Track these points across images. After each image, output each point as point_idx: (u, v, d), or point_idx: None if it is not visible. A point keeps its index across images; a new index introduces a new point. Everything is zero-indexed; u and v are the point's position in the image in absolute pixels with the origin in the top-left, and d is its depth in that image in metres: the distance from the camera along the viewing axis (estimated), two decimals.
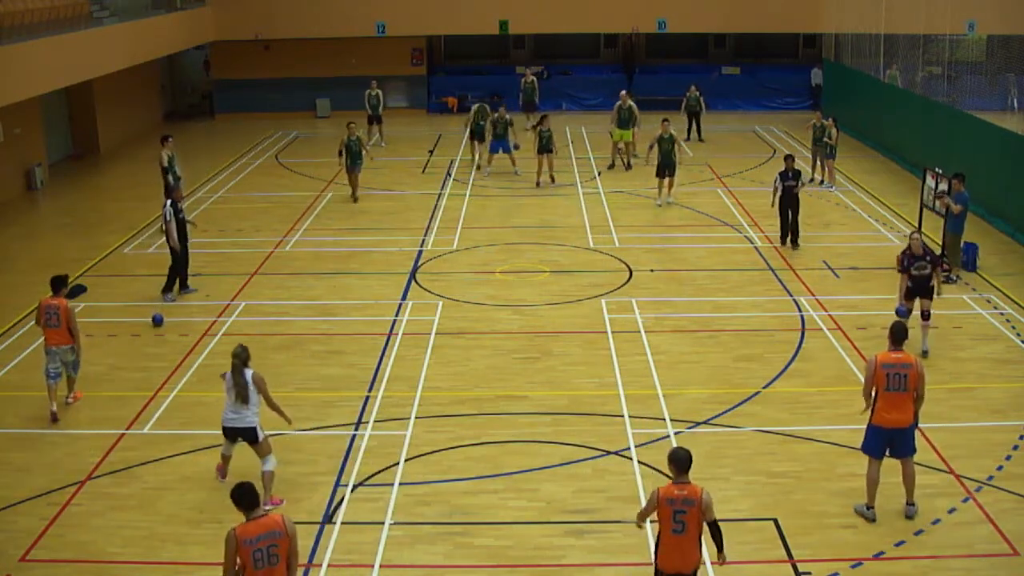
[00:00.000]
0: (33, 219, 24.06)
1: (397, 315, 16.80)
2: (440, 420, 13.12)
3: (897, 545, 10.27)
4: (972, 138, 22.70)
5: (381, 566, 10.08)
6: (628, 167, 26.84)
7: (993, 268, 18.64)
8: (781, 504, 11.05)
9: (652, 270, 18.87)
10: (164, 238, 17.73)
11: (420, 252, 20.18)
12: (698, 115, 30.72)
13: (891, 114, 28.21)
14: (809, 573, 9.87)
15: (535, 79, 32.42)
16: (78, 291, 17.93)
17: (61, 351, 13.45)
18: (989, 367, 14.52)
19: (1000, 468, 11.69)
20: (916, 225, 19.12)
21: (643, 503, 10.94)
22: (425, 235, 21.35)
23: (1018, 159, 20.62)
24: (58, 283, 13.66)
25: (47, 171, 27.05)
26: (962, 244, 18.26)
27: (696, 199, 23.91)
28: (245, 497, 8.00)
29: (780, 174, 20.14)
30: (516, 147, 26.28)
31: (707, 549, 8.91)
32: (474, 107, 28.28)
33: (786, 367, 14.59)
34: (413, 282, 18.39)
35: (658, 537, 8.42)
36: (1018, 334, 15.69)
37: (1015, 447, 12.17)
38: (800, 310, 16.75)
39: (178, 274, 17.75)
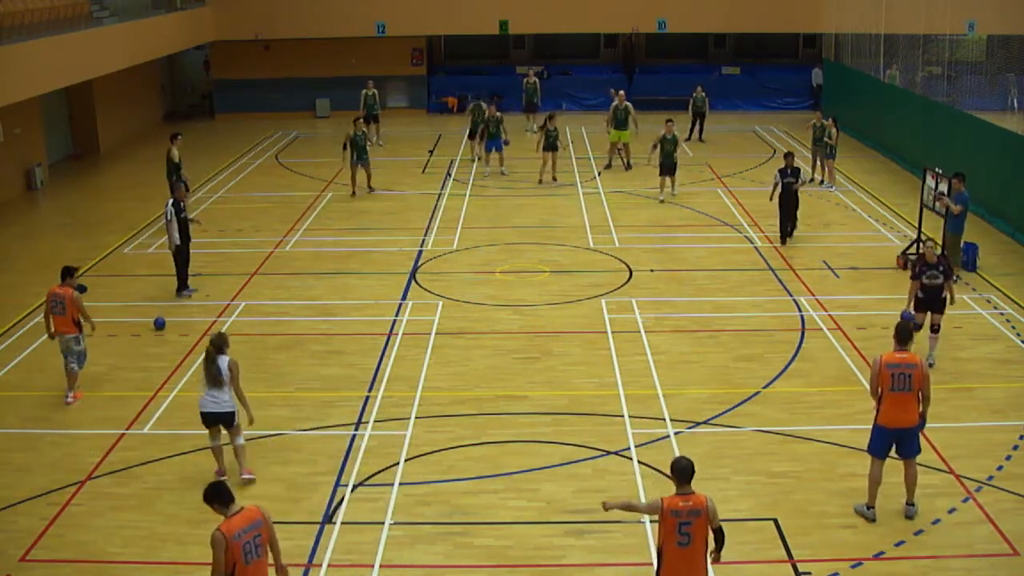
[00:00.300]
0: (33, 219, 24.06)
1: (397, 315, 16.80)
2: (440, 420, 13.13)
3: (897, 545, 10.27)
4: (972, 138, 22.71)
5: (381, 566, 10.08)
6: (628, 167, 26.83)
7: (993, 268, 18.64)
8: (781, 504, 11.05)
9: (652, 270, 18.87)
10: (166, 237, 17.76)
11: (420, 252, 20.18)
12: (703, 116, 30.72)
13: (891, 114, 28.21)
14: (809, 573, 9.87)
15: (537, 80, 32.43)
16: (78, 291, 17.90)
17: (64, 339, 13.70)
18: (989, 367, 14.52)
19: (1000, 468, 11.69)
20: (916, 225, 19.10)
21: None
22: (425, 235, 21.35)
23: (1018, 159, 20.62)
24: (66, 272, 13.95)
25: (47, 171, 27.05)
26: (962, 244, 18.26)
27: (696, 199, 23.92)
28: (223, 494, 7.99)
29: (780, 171, 20.34)
30: (506, 143, 26.50)
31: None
32: (470, 106, 28.80)
33: (786, 367, 14.59)
34: (413, 282, 18.39)
35: (660, 551, 8.09)
36: (1018, 334, 15.69)
37: (1015, 447, 12.17)
38: (800, 310, 16.75)
39: (179, 273, 17.76)
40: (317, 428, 12.97)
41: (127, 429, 12.98)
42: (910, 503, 10.70)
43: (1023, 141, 20.88)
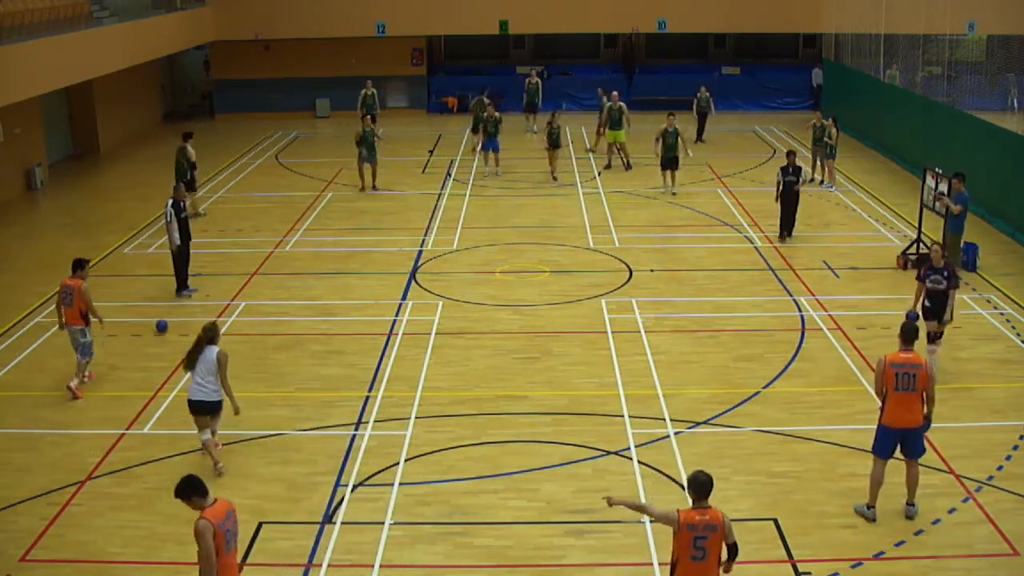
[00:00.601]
0: (33, 219, 24.06)
1: (397, 315, 16.80)
2: (440, 420, 13.12)
3: (897, 545, 10.27)
4: (972, 138, 22.71)
5: (381, 566, 10.08)
6: (628, 167, 26.82)
7: (993, 268, 18.64)
8: (781, 504, 11.05)
9: (652, 270, 18.87)
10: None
11: (420, 252, 20.18)
12: (707, 116, 30.69)
13: (891, 114, 28.21)
14: (809, 573, 9.88)
15: (539, 80, 32.43)
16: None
17: (71, 331, 13.95)
18: (989, 367, 14.52)
19: (1000, 468, 11.69)
20: (916, 225, 19.11)
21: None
22: (425, 235, 21.35)
23: (1018, 159, 20.62)
24: (77, 265, 14.22)
25: (47, 171, 27.05)
26: (962, 244, 18.26)
27: (696, 199, 23.92)
28: (200, 486, 8.09)
29: (781, 169, 20.54)
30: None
31: None
32: (473, 101, 29.28)
33: (786, 367, 14.59)
34: (413, 282, 18.39)
35: (673, 564, 7.99)
36: (1018, 334, 15.69)
37: (1015, 447, 12.17)
38: (800, 310, 16.75)
39: (179, 273, 17.77)
40: (317, 428, 12.97)
41: (127, 429, 12.98)
42: (910, 503, 10.70)
43: (1023, 141, 20.88)
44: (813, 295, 17.37)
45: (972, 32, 32.78)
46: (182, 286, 17.81)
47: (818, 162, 25.30)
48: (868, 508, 10.68)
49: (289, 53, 35.97)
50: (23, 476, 11.89)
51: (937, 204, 18.03)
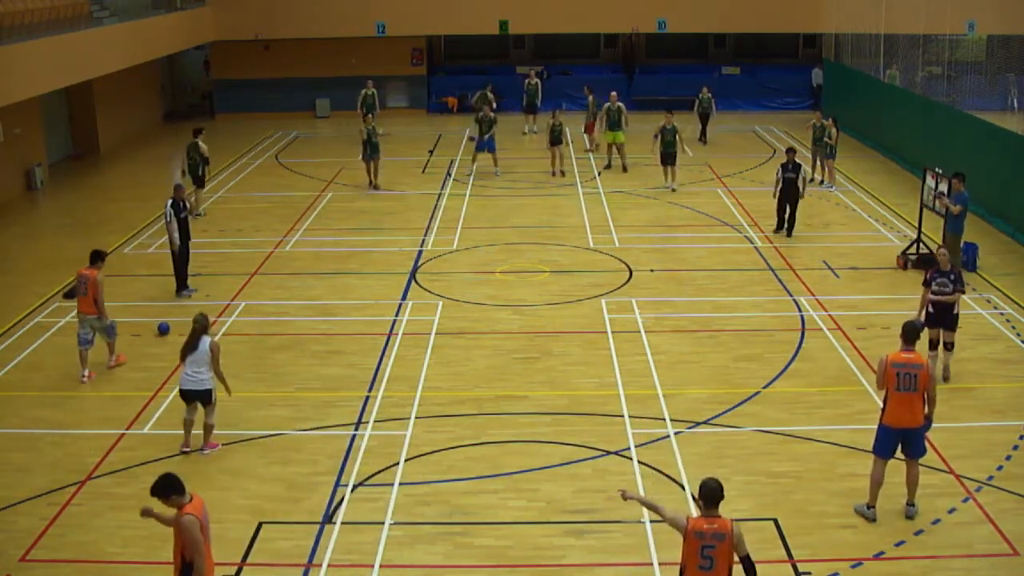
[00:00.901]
0: (33, 219, 24.06)
1: (397, 315, 16.80)
2: (440, 420, 13.12)
3: (897, 545, 10.27)
4: (972, 138, 22.70)
5: (381, 566, 10.08)
6: (625, 169, 26.77)
7: (993, 268, 18.64)
8: (781, 504, 11.05)
9: (652, 270, 18.87)
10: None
11: (420, 252, 20.18)
12: (709, 116, 30.62)
13: (891, 114, 28.21)
14: (809, 573, 9.88)
15: (539, 81, 32.42)
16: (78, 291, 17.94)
17: (88, 319, 14.53)
18: (989, 367, 14.51)
19: (1000, 468, 11.69)
20: (916, 225, 19.12)
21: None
22: (425, 235, 21.35)
23: (1018, 159, 20.62)
24: (96, 256, 14.74)
25: (47, 171, 27.05)
26: (962, 244, 18.25)
27: (696, 199, 23.92)
28: (178, 483, 8.16)
29: (781, 166, 20.75)
30: (472, 138, 27.46)
31: None
32: (477, 94, 30.00)
33: (786, 367, 14.59)
34: (413, 282, 18.39)
35: (681, 573, 7.92)
36: (1018, 334, 15.69)
37: (1015, 447, 12.18)
38: (800, 310, 16.75)
39: (179, 273, 17.78)
40: (317, 428, 12.97)
41: (127, 429, 12.98)
42: (911, 503, 10.70)
43: (1023, 141, 20.87)
44: (813, 295, 17.37)
45: (972, 32, 32.78)
46: (182, 286, 17.82)
47: (818, 162, 25.31)
48: (868, 508, 10.68)
49: (289, 53, 35.96)
50: (23, 476, 11.89)
51: (937, 204, 18.03)
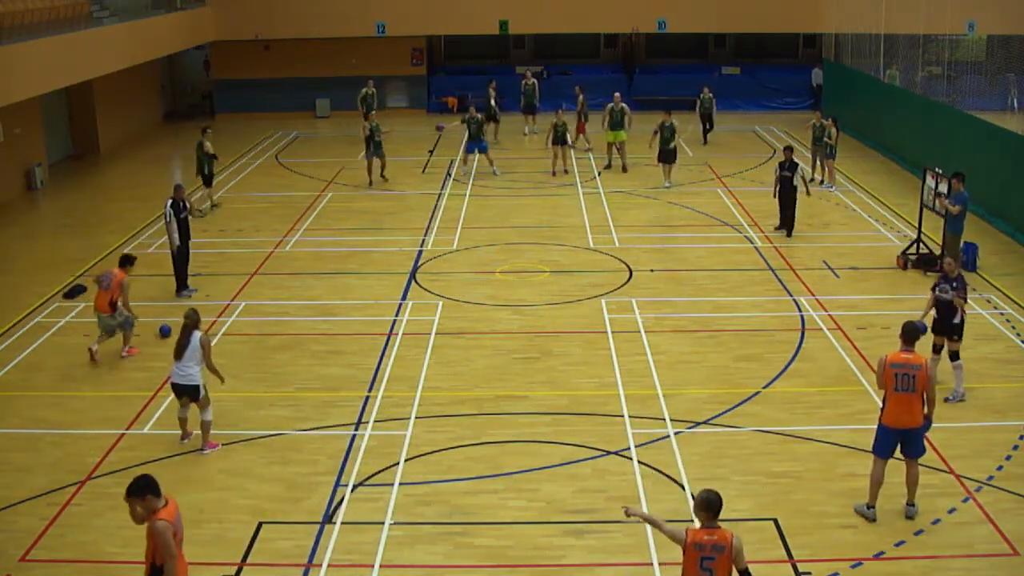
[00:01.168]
0: (33, 219, 24.07)
1: (397, 315, 16.80)
2: (440, 420, 13.12)
3: (897, 545, 10.27)
4: (972, 138, 22.70)
5: (381, 566, 10.08)
6: (625, 169, 26.76)
7: (993, 268, 18.64)
8: (781, 504, 11.05)
9: (652, 270, 18.87)
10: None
11: (420, 252, 20.18)
12: (711, 117, 30.54)
13: (891, 114, 28.21)
14: (809, 573, 9.88)
15: (535, 81, 32.42)
16: (78, 291, 17.96)
17: (102, 318, 14.89)
18: (989, 367, 14.50)
19: (1000, 468, 11.69)
20: (916, 225, 19.12)
21: (643, 504, 10.96)
22: (425, 235, 21.35)
23: (1018, 159, 20.62)
24: (125, 260, 15.28)
25: (47, 171, 27.05)
26: (962, 244, 18.25)
27: (696, 199, 23.92)
28: (156, 486, 8.17)
29: (779, 164, 20.88)
30: (440, 128, 28.30)
31: None
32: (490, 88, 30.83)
33: (786, 367, 14.59)
34: (413, 282, 18.39)
35: None
36: (1018, 334, 15.69)
37: (1015, 447, 12.17)
38: (800, 310, 16.75)
39: (179, 273, 17.78)
40: (317, 428, 12.97)
41: (127, 429, 12.98)
42: (910, 503, 10.70)
43: (1023, 141, 20.87)
44: (813, 295, 17.37)
45: (972, 32, 32.78)
46: (182, 286, 17.82)
47: (818, 162, 25.31)
48: (868, 508, 10.67)
49: (289, 53, 35.96)
50: (23, 476, 11.89)
51: (937, 204, 18.04)
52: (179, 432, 12.64)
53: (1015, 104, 32.57)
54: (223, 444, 12.47)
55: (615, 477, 11.66)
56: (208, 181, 23.63)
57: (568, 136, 26.68)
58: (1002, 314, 16.48)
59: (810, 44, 38.30)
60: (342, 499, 11.26)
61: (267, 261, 19.78)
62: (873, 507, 10.65)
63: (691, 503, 7.86)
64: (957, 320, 13.34)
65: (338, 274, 18.97)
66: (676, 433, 12.62)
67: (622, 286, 18.03)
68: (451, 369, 14.70)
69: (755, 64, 38.40)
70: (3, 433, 13.03)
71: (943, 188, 17.93)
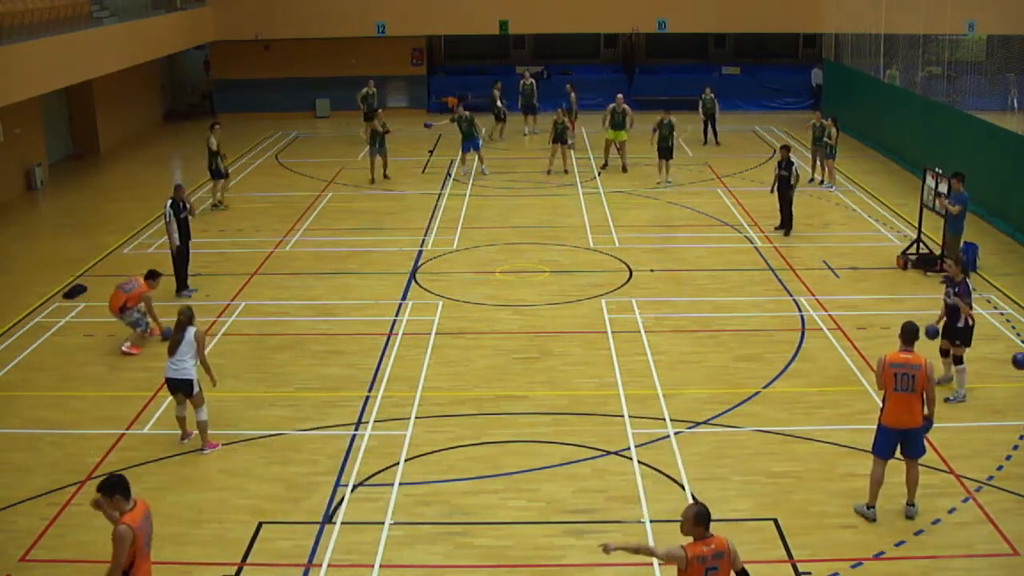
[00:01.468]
0: (33, 219, 24.06)
1: (397, 315, 16.80)
2: (440, 420, 13.12)
3: (897, 545, 10.27)
4: (972, 138, 22.70)
5: (381, 566, 10.08)
6: (624, 169, 26.75)
7: (993, 268, 18.64)
8: (781, 504, 11.05)
9: (652, 270, 18.87)
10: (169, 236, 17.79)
11: (420, 252, 20.18)
12: (714, 117, 30.50)
13: (891, 114, 28.21)
14: (809, 573, 9.88)
15: (534, 81, 32.40)
16: (78, 291, 17.97)
17: (116, 317, 15.33)
18: (989, 367, 14.49)
19: (1000, 468, 11.69)
20: (916, 225, 19.13)
21: (643, 504, 10.96)
22: (425, 235, 21.35)
23: (1018, 159, 20.62)
24: (152, 274, 15.58)
25: (47, 171, 27.05)
26: (962, 244, 18.24)
27: (696, 199, 23.92)
28: (127, 488, 8.12)
29: (778, 163, 21.05)
30: (428, 126, 28.84)
31: None
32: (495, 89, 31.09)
33: (786, 367, 14.59)
34: (413, 282, 18.39)
35: None
36: (1018, 334, 15.69)
37: (1015, 447, 12.17)
38: (800, 310, 16.75)
39: (179, 273, 17.78)
40: (317, 428, 12.97)
41: (127, 429, 12.98)
42: (911, 503, 10.70)
43: (1023, 141, 20.87)
44: (813, 295, 17.37)
45: (972, 32, 32.77)
46: (182, 286, 17.81)
47: (818, 162, 25.31)
48: (868, 508, 10.67)
49: (289, 53, 35.96)
50: (23, 476, 11.89)
51: (937, 204, 18.04)
52: (179, 432, 12.65)
53: (1015, 104, 32.57)
54: (223, 444, 12.47)
55: (615, 477, 11.66)
56: (215, 175, 23.74)
57: (567, 136, 26.67)
58: (1002, 314, 16.48)
59: (810, 44, 38.29)
60: (342, 499, 11.26)
61: (267, 261, 19.78)
62: (873, 507, 10.65)
63: (681, 523, 7.78)
64: (961, 324, 13.29)
65: (338, 274, 18.97)
66: (676, 433, 12.62)
67: (622, 286, 18.03)
68: (451, 369, 14.70)
69: (755, 64, 38.40)
70: (3, 433, 13.03)
71: (943, 188, 17.94)
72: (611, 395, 13.73)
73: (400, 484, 11.55)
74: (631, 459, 12.01)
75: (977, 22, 32.56)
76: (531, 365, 14.82)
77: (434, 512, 11.01)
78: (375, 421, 13.07)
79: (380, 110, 28.17)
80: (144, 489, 11.53)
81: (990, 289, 17.60)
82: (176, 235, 17.41)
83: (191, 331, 12.29)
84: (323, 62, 36.10)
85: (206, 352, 12.58)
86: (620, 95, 27.47)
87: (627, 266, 19.06)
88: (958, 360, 13.41)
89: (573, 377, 14.37)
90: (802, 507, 10.99)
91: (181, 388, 12.29)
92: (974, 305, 13.64)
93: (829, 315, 16.44)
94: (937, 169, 18.45)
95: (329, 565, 10.08)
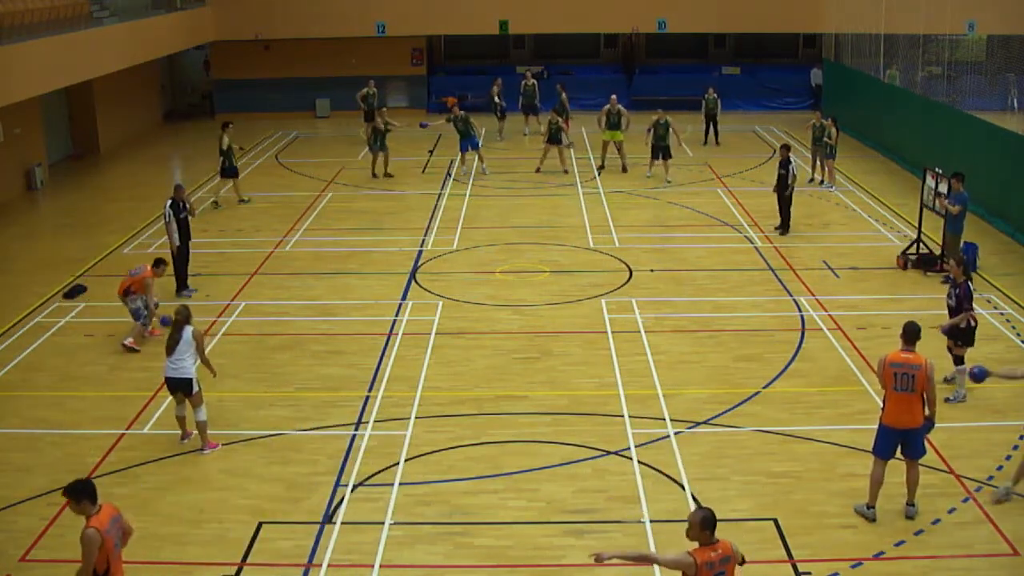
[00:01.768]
0: (33, 219, 24.06)
1: (397, 315, 16.80)
2: (440, 420, 13.12)
3: (897, 545, 10.27)
4: (972, 138, 22.70)
5: (381, 566, 10.08)
6: (624, 169, 26.76)
7: (993, 268, 18.64)
8: (781, 504, 11.05)
9: (652, 270, 18.87)
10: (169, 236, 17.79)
11: (420, 252, 20.18)
12: (715, 117, 30.47)
13: (891, 114, 28.21)
14: (809, 573, 9.88)
15: (536, 82, 32.40)
16: (78, 291, 17.97)
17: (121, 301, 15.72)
18: (989, 367, 14.44)
19: (1000, 468, 11.68)
20: (916, 225, 19.13)
21: (643, 504, 10.96)
22: (425, 235, 21.35)
23: (1018, 159, 20.62)
24: (158, 262, 15.97)
25: (47, 171, 27.05)
26: (962, 244, 18.24)
27: (696, 199, 23.92)
28: (93, 492, 8.16)
29: (779, 163, 21.08)
30: (424, 126, 29.38)
31: None
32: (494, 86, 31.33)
33: (786, 367, 14.59)
34: (413, 282, 18.39)
35: None
36: (1018, 334, 15.68)
37: (1015, 447, 12.17)
38: (800, 310, 16.75)
39: (179, 273, 17.78)
40: (317, 428, 12.97)
41: (127, 429, 12.98)
42: (910, 503, 10.70)
43: (1023, 141, 20.87)
44: (813, 295, 17.37)
45: (972, 32, 32.77)
46: (182, 286, 17.82)
47: (818, 162, 25.31)
48: (868, 508, 10.67)
49: (289, 53, 35.96)
50: (23, 476, 11.89)
51: (937, 204, 18.04)
52: (179, 432, 12.65)
53: (1015, 104, 32.57)
54: (223, 444, 12.48)
55: (615, 477, 11.66)
56: (227, 173, 24.04)
57: (563, 135, 26.59)
58: (1002, 314, 16.48)
59: (810, 44, 38.28)
60: (342, 499, 11.26)
61: (267, 261, 19.78)
62: (873, 507, 10.65)
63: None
64: (963, 325, 13.29)
65: (338, 274, 18.97)
66: (676, 433, 12.62)
67: (622, 286, 18.03)
68: (451, 369, 14.70)
69: (755, 64, 38.39)
70: (3, 433, 13.03)
71: (943, 188, 17.94)
72: (611, 395, 13.73)
73: (400, 484, 11.55)
74: (631, 459, 12.01)
75: (977, 22, 32.56)
76: (531, 365, 14.82)
77: (434, 512, 11.01)
78: (375, 421, 13.08)
79: (385, 108, 28.42)
80: (144, 489, 11.58)
81: (990, 289, 17.60)
82: (176, 235, 17.42)
83: (189, 330, 12.29)
84: (323, 62, 36.10)
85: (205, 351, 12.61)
86: (613, 96, 27.42)
87: (627, 266, 19.06)
88: (959, 360, 13.44)
89: (573, 377, 14.37)
90: (802, 507, 10.99)
91: (180, 387, 12.28)
92: (975, 305, 13.66)
93: (829, 315, 16.44)
94: (937, 169, 18.45)
95: (329, 565, 10.08)
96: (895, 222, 21.87)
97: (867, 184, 25.16)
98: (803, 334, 15.77)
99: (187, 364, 12.22)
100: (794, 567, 9.97)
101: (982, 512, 10.78)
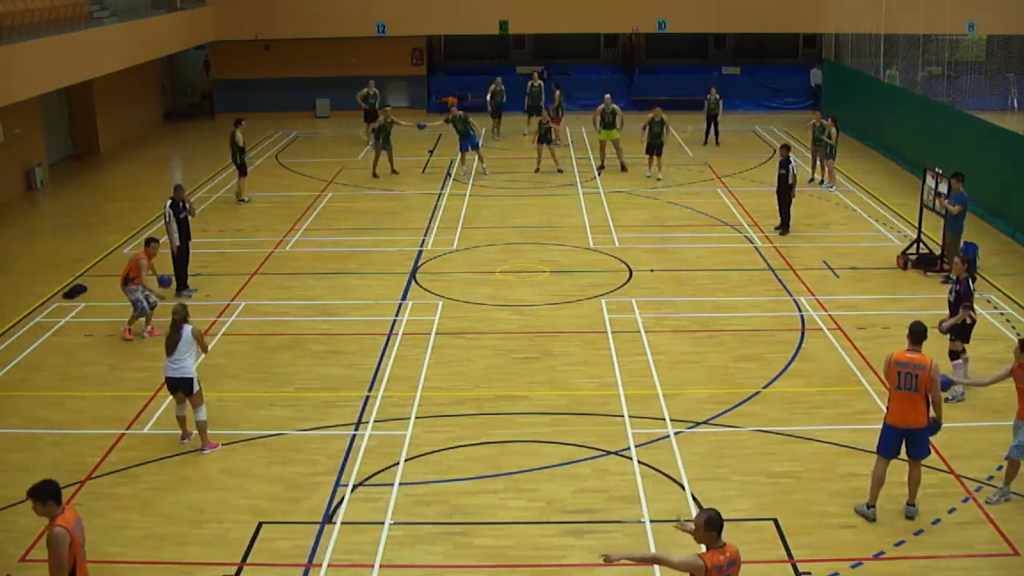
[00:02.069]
0: (33, 219, 24.07)
1: (397, 315, 16.80)
2: (440, 420, 13.13)
3: (897, 545, 10.27)
4: (972, 138, 22.70)
5: (381, 566, 10.08)
6: (624, 168, 26.76)
7: (993, 268, 18.64)
8: (781, 504, 11.05)
9: (652, 270, 18.87)
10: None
11: (420, 252, 20.18)
12: (717, 118, 30.44)
13: (891, 114, 28.21)
14: (809, 573, 9.88)
15: (542, 83, 32.32)
16: (78, 291, 17.97)
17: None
18: (989, 367, 14.42)
19: (1000, 468, 11.66)
20: (916, 225, 19.13)
21: (644, 504, 10.96)
22: (425, 235, 21.35)
23: (1018, 159, 20.62)
24: (148, 241, 16.20)
25: (47, 171, 27.05)
26: (962, 244, 18.24)
27: (696, 199, 23.92)
28: (58, 493, 8.13)
29: (779, 162, 21.08)
30: (422, 126, 29.39)
31: None
32: (492, 88, 31.24)
33: (786, 367, 14.59)
34: (413, 282, 18.39)
35: None
36: (1018, 334, 15.67)
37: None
38: (800, 310, 16.75)
39: (179, 273, 17.78)
40: (317, 428, 12.97)
41: (127, 429, 12.98)
42: (911, 503, 10.70)
43: (1023, 141, 20.87)
44: (813, 295, 17.37)
45: (972, 32, 32.77)
46: (182, 286, 17.81)
47: (818, 162, 25.31)
48: (868, 508, 10.67)
49: (289, 53, 35.96)
50: (23, 476, 11.83)
51: (937, 204, 18.04)
52: (179, 432, 12.65)
53: (1015, 104, 32.57)
54: (223, 444, 12.48)
55: (615, 477, 11.66)
56: (241, 171, 24.33)
57: (552, 135, 26.71)
58: (1002, 314, 16.48)
59: (810, 44, 38.29)
60: (342, 499, 11.26)
61: (267, 261, 19.78)
62: (873, 507, 10.66)
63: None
64: (963, 321, 13.34)
65: (338, 274, 18.97)
66: (676, 433, 12.62)
67: (622, 286, 18.03)
68: (451, 369, 14.70)
69: (755, 64, 38.39)
70: (3, 433, 13.03)
71: (943, 188, 17.94)
72: (611, 395, 13.74)
73: (400, 484, 11.55)
74: (631, 459, 12.01)
75: (977, 22, 32.56)
76: (531, 365, 14.82)
77: (434, 512, 11.01)
78: (375, 421, 13.08)
79: (388, 107, 28.52)
80: (144, 489, 11.58)
81: (990, 289, 17.60)
82: (176, 235, 17.43)
83: (187, 329, 12.29)
84: (323, 62, 36.10)
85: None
86: (608, 95, 27.35)
87: (627, 266, 19.07)
88: (954, 355, 13.45)
89: (573, 377, 14.37)
90: (802, 507, 10.99)
91: (181, 387, 12.28)
92: (974, 305, 13.67)
93: (829, 315, 16.44)
94: (937, 169, 18.45)
95: (329, 565, 10.09)
96: (895, 222, 21.87)
97: (867, 184, 25.17)
98: (803, 334, 15.77)
99: (187, 363, 12.22)
100: (794, 567, 9.97)
101: (982, 512, 10.79)
